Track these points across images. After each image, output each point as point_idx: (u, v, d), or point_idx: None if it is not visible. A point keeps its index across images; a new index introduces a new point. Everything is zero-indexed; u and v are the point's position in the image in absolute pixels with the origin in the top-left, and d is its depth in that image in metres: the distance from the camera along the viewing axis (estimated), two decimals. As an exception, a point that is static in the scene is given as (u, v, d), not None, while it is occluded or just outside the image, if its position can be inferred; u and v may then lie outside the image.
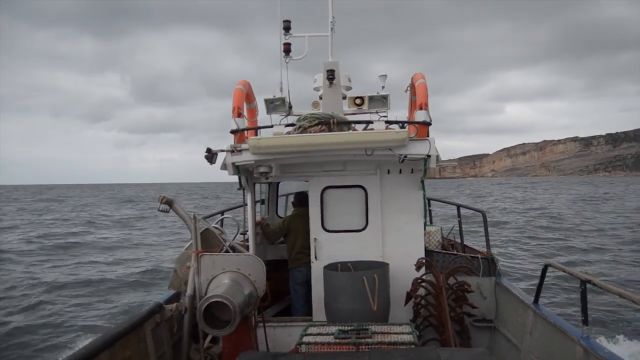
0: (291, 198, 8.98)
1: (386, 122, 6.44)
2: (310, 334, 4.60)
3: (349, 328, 4.68)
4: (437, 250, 7.37)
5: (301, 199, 7.90)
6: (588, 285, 4.22)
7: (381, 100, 7.51)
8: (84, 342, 9.41)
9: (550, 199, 69.78)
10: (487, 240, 7.24)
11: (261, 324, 6.05)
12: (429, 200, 9.58)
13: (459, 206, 8.49)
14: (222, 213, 8.31)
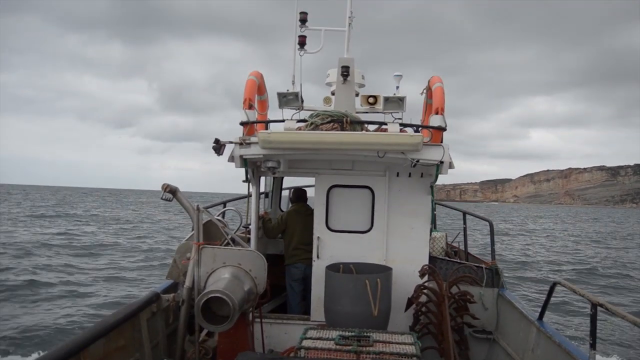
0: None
1: (400, 124, 6.30)
2: (310, 338, 4.50)
3: (350, 334, 4.58)
4: (440, 256, 7.25)
5: (299, 195, 7.82)
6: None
7: (397, 102, 7.33)
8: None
9: None
10: (493, 251, 7.12)
11: (258, 320, 5.96)
12: (435, 204, 9.45)
13: (465, 213, 8.37)
14: (224, 204, 8.18)
